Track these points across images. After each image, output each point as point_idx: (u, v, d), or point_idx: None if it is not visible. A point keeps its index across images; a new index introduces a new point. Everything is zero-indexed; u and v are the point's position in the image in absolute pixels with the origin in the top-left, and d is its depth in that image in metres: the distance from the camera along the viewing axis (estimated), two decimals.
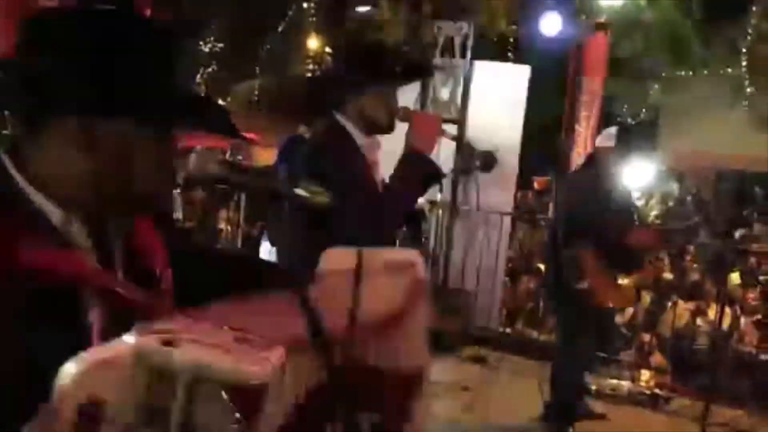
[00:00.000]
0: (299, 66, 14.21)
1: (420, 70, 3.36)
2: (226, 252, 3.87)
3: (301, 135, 4.79)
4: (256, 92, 14.48)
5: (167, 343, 0.83)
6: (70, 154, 1.05)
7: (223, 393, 0.81)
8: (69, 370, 0.81)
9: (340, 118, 2.64)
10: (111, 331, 0.93)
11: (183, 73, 1.03)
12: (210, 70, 13.69)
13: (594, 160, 4.35)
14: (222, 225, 8.20)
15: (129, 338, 0.84)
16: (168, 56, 1.11)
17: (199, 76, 13.43)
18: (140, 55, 1.07)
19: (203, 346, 0.83)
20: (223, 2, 12.32)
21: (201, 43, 12.69)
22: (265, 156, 14.46)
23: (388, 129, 2.66)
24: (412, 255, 1.26)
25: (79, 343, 0.87)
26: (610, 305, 4.57)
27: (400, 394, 1.24)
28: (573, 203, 4.26)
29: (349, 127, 2.63)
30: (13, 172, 1.06)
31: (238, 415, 0.81)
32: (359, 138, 2.64)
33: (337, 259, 1.17)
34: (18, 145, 1.08)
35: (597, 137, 4.35)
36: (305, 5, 13.13)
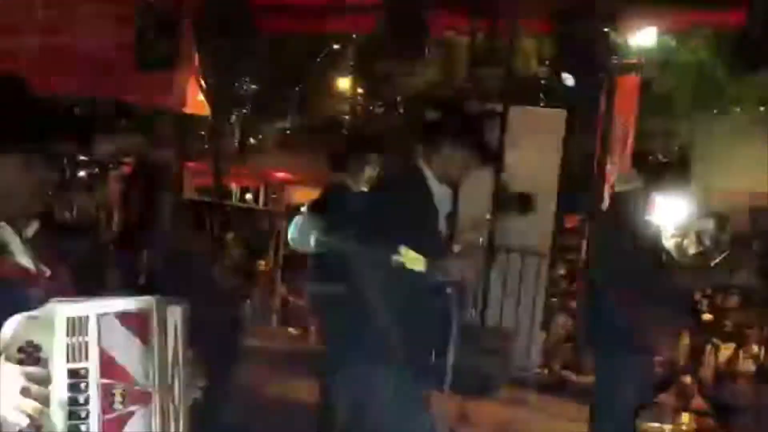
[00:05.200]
0: (331, 107, 14.42)
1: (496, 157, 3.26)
2: None
3: (346, 184, 4.24)
4: (288, 132, 14.70)
5: None
6: None
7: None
8: (11, 324, 1.15)
9: (422, 165, 2.58)
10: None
11: None
12: (244, 110, 13.95)
13: (615, 202, 4.38)
14: None
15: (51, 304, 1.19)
16: None
17: (233, 116, 13.67)
18: None
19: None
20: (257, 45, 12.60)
21: (236, 84, 12.91)
22: (298, 194, 14.62)
23: (457, 186, 2.71)
24: None
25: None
26: (654, 351, 4.55)
27: None
28: (602, 245, 4.28)
29: (429, 174, 2.58)
30: None
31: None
32: (435, 186, 2.59)
33: None
34: None
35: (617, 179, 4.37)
36: (336, 47, 13.36)
